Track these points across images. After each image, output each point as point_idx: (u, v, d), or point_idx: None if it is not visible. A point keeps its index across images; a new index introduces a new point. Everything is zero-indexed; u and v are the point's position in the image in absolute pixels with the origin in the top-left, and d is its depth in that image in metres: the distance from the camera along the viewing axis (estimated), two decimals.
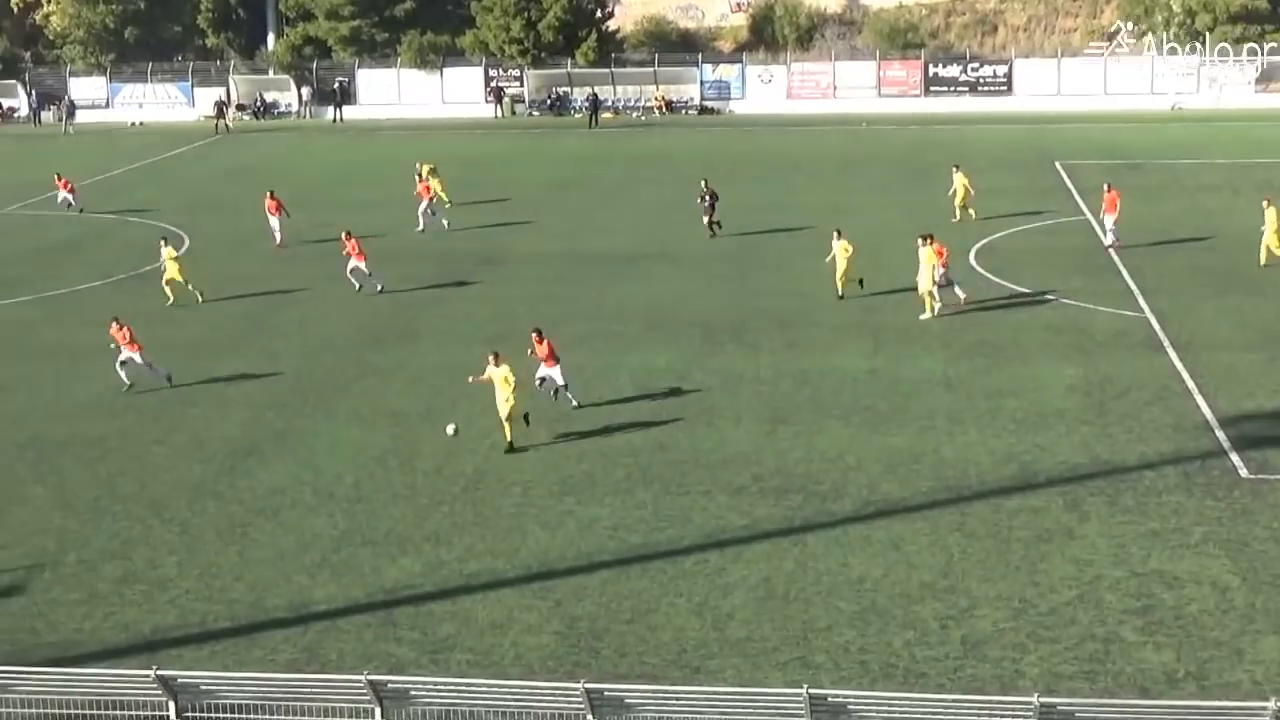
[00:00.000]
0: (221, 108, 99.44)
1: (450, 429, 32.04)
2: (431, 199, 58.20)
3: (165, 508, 29.22)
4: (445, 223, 57.71)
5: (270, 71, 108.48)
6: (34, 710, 17.88)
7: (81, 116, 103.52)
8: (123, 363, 36.93)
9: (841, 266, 44.04)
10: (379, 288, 46.34)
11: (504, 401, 31.58)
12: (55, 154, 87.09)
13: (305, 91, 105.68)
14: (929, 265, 41.51)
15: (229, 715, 17.35)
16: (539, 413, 33.23)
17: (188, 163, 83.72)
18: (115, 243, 57.88)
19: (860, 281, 44.09)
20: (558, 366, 34.13)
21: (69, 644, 23.57)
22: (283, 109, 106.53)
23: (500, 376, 31.51)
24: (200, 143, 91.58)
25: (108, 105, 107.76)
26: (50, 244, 57.82)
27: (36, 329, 43.84)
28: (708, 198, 54.18)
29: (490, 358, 31.85)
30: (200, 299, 45.76)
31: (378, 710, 16.86)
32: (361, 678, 16.79)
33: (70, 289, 48.71)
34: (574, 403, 34.38)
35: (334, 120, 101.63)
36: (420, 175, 60.15)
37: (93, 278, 49.72)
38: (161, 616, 24.48)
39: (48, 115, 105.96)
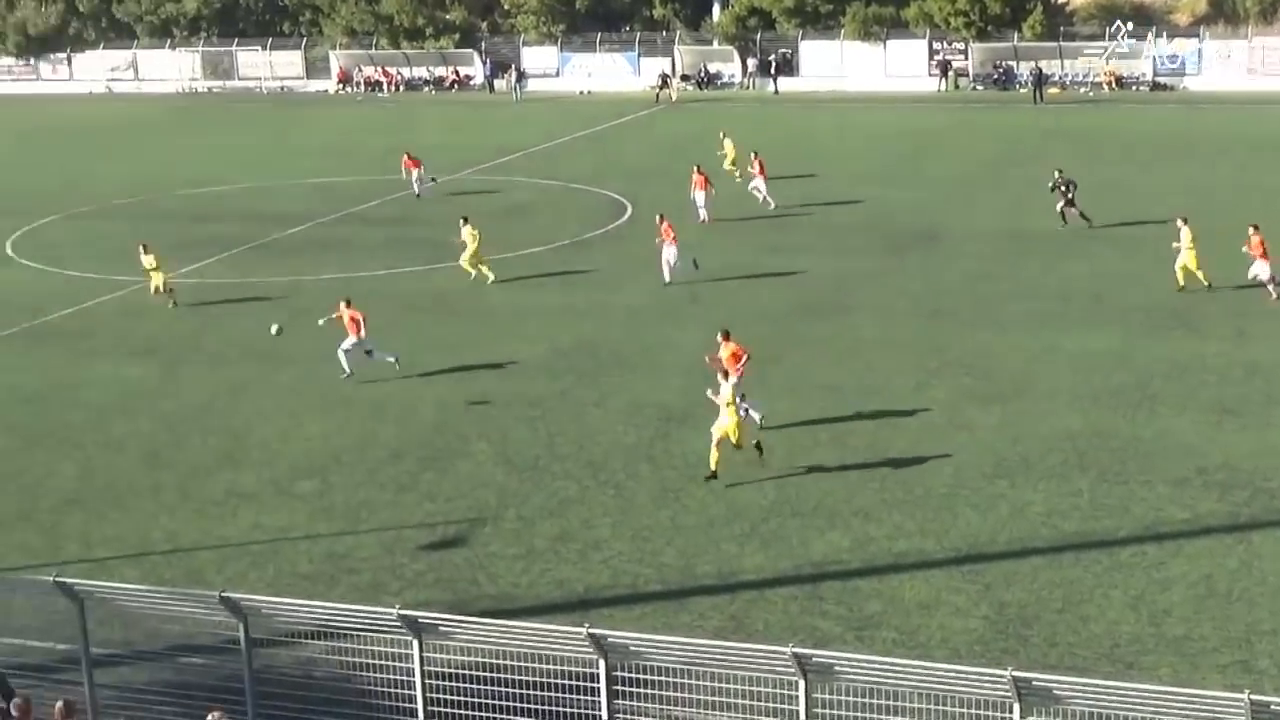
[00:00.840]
0: (665, 78, 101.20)
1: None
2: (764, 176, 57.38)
3: (601, 469, 29.94)
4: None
5: (714, 42, 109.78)
6: (472, 658, 18.56)
7: (533, 85, 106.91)
8: (346, 350, 36.06)
9: (1184, 257, 41.83)
10: (695, 266, 45.19)
11: (720, 426, 28.92)
12: (506, 121, 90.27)
13: (750, 63, 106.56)
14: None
15: (655, 677, 17.61)
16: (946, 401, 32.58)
17: (631, 132, 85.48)
18: (560, 209, 59.57)
19: (1209, 284, 41.63)
20: (733, 380, 29.79)
21: (506, 597, 24.43)
22: (725, 80, 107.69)
23: (725, 399, 28.93)
24: (644, 112, 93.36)
25: (558, 74, 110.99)
26: (499, 209, 59.79)
27: (482, 290, 45.41)
28: (1063, 186, 51.60)
29: (721, 376, 29.88)
30: (490, 280, 45.76)
31: (801, 683, 16.82)
32: (787, 650, 16.76)
33: (515, 253, 50.18)
34: (757, 419, 30.95)
35: (774, 91, 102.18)
36: (754, 153, 59.19)
37: (536, 243, 51.25)
38: (595, 576, 25.11)
39: (500, 83, 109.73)
